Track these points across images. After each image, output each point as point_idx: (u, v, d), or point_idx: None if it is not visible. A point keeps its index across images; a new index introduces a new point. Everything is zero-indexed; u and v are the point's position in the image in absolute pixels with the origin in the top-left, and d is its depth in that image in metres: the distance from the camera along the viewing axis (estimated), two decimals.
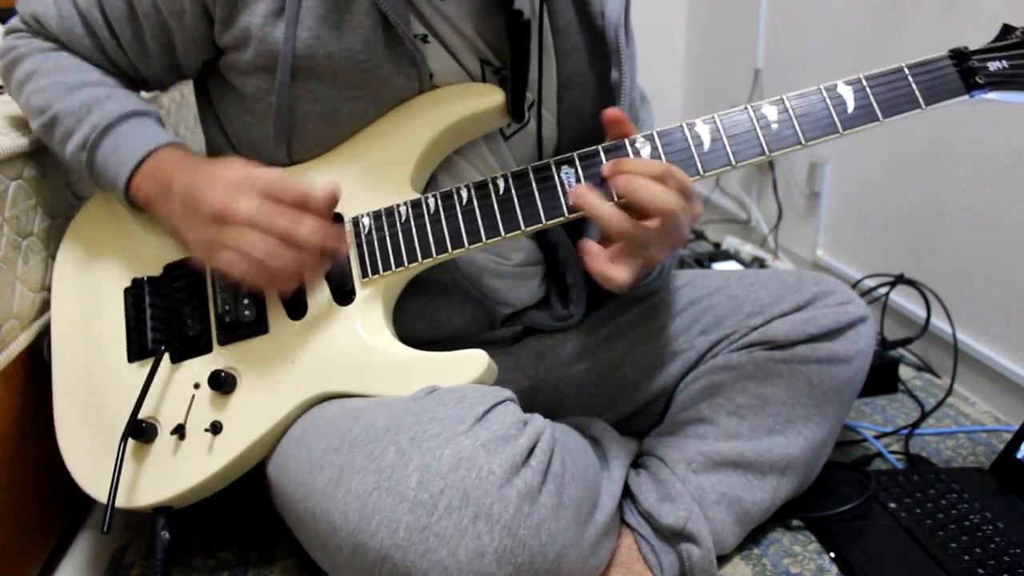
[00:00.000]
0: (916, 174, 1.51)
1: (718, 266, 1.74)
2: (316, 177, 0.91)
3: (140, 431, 0.85)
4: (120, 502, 0.84)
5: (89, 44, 0.91)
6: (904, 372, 1.45)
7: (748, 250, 1.93)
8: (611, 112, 0.80)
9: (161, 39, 0.89)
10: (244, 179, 0.78)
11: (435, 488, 0.69)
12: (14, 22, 0.95)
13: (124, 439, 0.83)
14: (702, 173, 0.80)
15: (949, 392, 1.38)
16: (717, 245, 2.02)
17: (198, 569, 0.96)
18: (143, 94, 0.98)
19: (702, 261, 1.78)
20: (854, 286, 1.62)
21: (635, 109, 0.95)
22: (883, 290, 1.56)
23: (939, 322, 1.44)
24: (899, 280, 1.52)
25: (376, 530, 0.70)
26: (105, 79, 0.91)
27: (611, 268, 0.76)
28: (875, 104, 0.79)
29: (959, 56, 0.79)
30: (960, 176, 1.39)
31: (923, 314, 1.45)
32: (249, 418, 0.85)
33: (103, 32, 0.89)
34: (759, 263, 1.86)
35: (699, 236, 2.18)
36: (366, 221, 0.87)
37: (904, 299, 1.55)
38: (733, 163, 0.80)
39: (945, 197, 1.43)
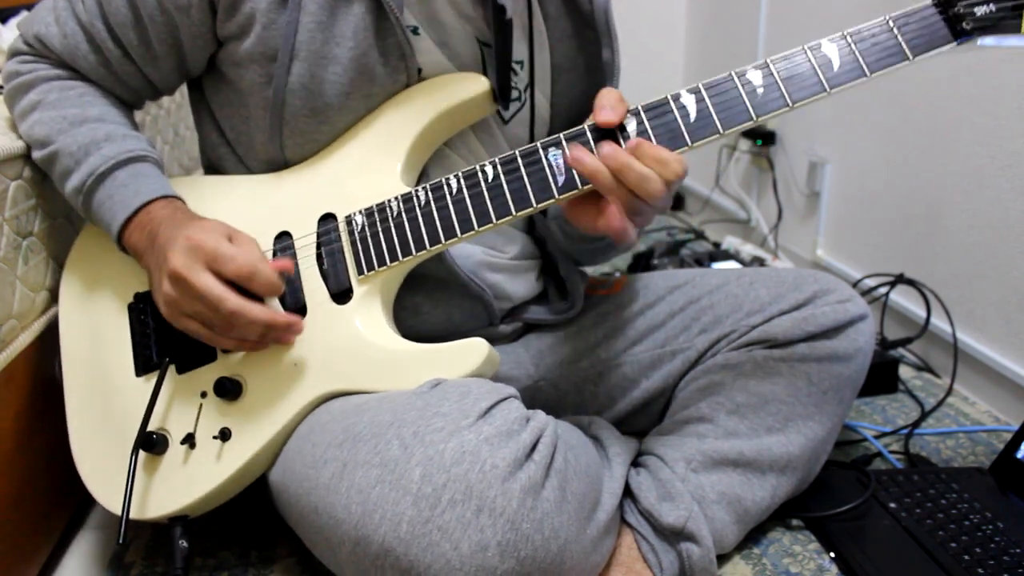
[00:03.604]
0: (916, 174, 1.51)
1: (718, 266, 1.74)
2: (307, 180, 0.92)
3: (151, 443, 0.85)
4: (135, 513, 0.85)
5: (93, 60, 0.91)
6: (904, 372, 1.45)
7: (748, 250, 1.93)
8: (606, 93, 0.80)
9: (168, 39, 0.89)
10: (196, 246, 0.80)
11: (438, 481, 0.70)
12: (17, 44, 0.95)
13: (135, 452, 0.84)
14: (690, 144, 0.79)
15: (949, 392, 1.38)
16: (717, 245, 2.02)
17: (198, 569, 0.96)
18: (149, 108, 0.99)
19: (702, 261, 1.77)
20: (854, 286, 1.62)
21: None
22: (883, 290, 1.56)
23: (939, 322, 1.44)
24: (899, 280, 1.52)
25: (379, 523, 0.70)
26: (107, 113, 0.92)
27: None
28: (861, 59, 0.77)
29: (944, 3, 0.77)
30: (960, 176, 1.39)
31: (923, 314, 1.45)
32: (257, 422, 0.85)
33: (107, 44, 0.89)
34: (759, 263, 1.86)
35: (699, 236, 2.18)
36: (359, 219, 0.87)
37: (904, 299, 1.55)
38: (721, 131, 0.79)
39: (945, 197, 1.43)
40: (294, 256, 0.89)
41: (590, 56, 0.96)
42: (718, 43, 2.31)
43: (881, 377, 1.37)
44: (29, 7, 1.15)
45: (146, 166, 0.90)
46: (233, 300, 0.79)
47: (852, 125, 1.70)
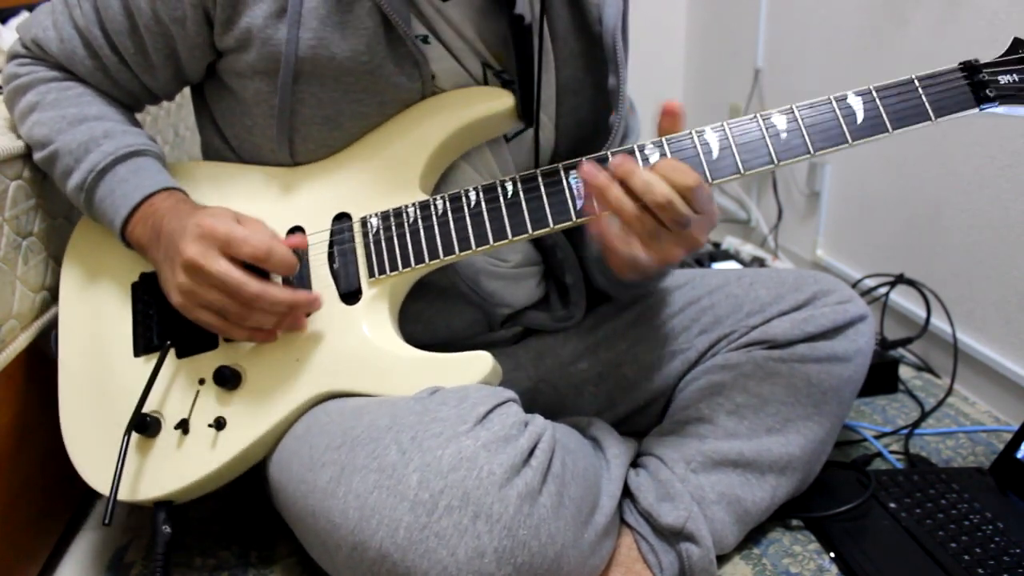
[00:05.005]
0: (916, 174, 1.51)
1: (718, 266, 1.74)
2: (324, 178, 0.91)
3: (144, 425, 0.85)
4: (123, 495, 0.85)
5: (90, 65, 0.91)
6: (904, 372, 1.45)
7: (748, 250, 1.93)
8: (671, 104, 0.79)
9: (164, 49, 0.89)
10: (208, 232, 0.79)
11: (435, 488, 0.70)
12: (16, 47, 0.95)
13: (128, 432, 0.84)
14: (710, 181, 0.80)
15: (949, 392, 1.38)
16: (717, 245, 2.02)
17: (198, 569, 0.96)
18: (148, 108, 0.98)
19: (702, 261, 1.77)
20: (854, 286, 1.62)
21: (626, 117, 0.95)
22: (883, 290, 1.56)
23: (939, 322, 1.44)
24: (899, 280, 1.52)
25: (376, 529, 0.70)
26: (105, 111, 0.91)
27: (629, 244, 0.75)
28: (885, 115, 0.79)
29: (970, 69, 0.79)
30: (960, 176, 1.39)
31: (923, 314, 1.45)
32: (253, 415, 0.85)
33: (104, 50, 0.89)
34: (759, 263, 1.86)
35: None
36: (374, 221, 0.87)
37: (904, 299, 1.55)
38: (742, 171, 0.79)
39: (945, 197, 1.43)
40: (306, 255, 0.88)
41: (597, 78, 0.94)
42: (718, 45, 2.31)
43: (881, 377, 1.37)
44: (29, 7, 1.15)
45: (147, 160, 0.90)
46: (254, 284, 0.79)
47: None
